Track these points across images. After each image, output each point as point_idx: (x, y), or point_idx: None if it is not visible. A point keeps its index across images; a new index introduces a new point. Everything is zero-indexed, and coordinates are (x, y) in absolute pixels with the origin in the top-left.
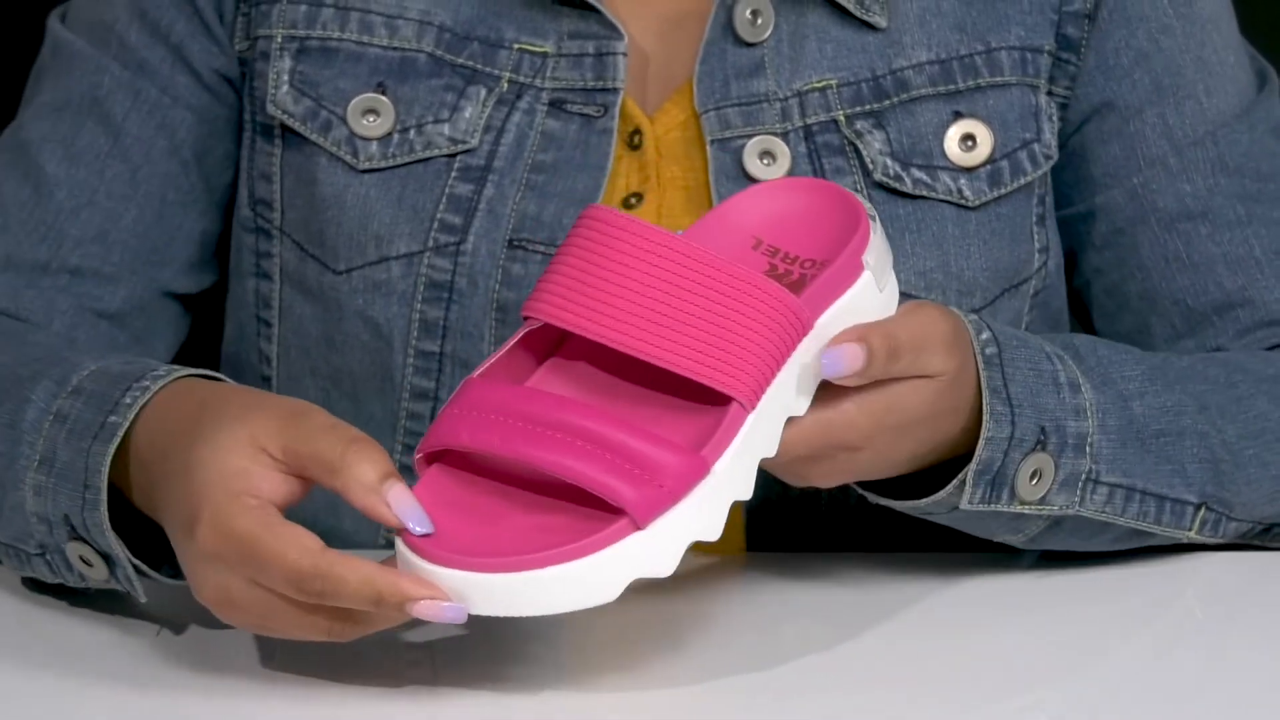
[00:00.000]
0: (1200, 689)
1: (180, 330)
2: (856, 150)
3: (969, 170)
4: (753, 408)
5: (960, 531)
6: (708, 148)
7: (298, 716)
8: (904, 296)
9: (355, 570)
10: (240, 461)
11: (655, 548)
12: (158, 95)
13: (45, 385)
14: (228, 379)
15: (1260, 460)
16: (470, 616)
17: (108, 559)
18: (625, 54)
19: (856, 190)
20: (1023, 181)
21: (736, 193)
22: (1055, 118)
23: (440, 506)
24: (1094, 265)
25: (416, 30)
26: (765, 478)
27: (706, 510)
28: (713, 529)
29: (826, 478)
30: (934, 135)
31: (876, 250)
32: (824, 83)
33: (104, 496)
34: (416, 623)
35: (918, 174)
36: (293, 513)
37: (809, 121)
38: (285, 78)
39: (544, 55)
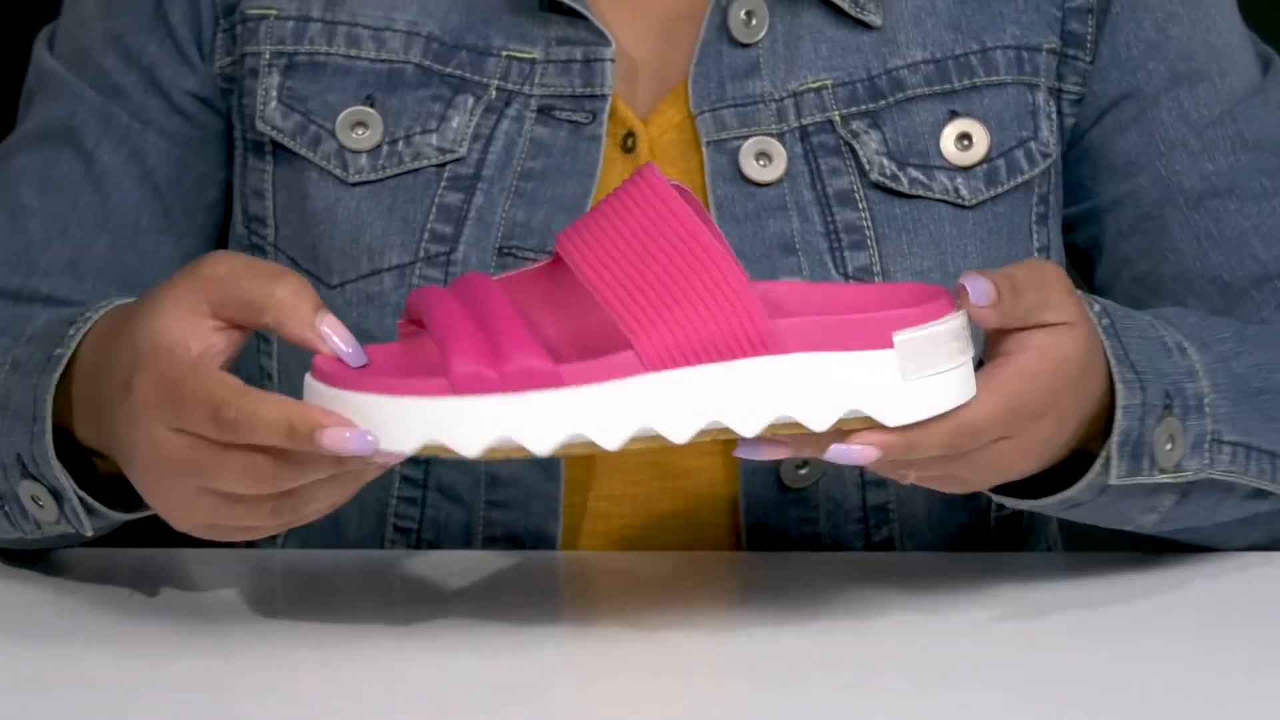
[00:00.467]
0: (1205, 690)
1: None
2: (853, 150)
3: (965, 169)
4: (648, 368)
5: (959, 535)
6: (703, 149)
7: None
8: None
9: (268, 400)
10: (167, 321)
11: (461, 420)
12: (129, 121)
13: (2, 343)
14: None
15: None
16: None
17: (56, 495)
18: (613, 60)
19: (852, 190)
20: (1020, 180)
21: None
22: (1056, 115)
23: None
24: (1122, 254)
25: (404, 41)
26: (765, 477)
27: (534, 418)
28: (538, 442)
29: (971, 476)
30: (930, 135)
31: (924, 344)
32: (819, 83)
33: (48, 426)
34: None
35: (914, 173)
36: None
37: (805, 122)
38: (274, 94)
39: (532, 62)
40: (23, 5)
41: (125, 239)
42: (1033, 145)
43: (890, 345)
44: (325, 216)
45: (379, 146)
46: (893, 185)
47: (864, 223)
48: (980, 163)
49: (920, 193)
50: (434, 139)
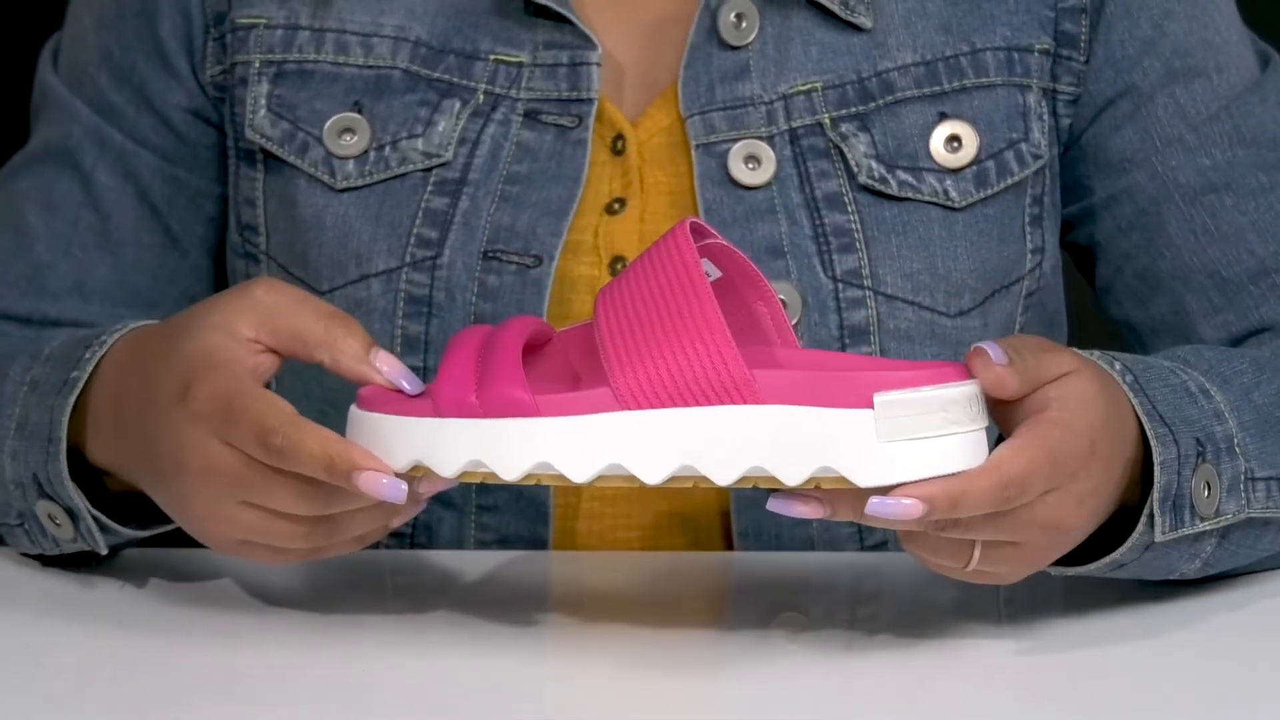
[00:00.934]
0: (1206, 690)
1: None
2: (841, 153)
3: (955, 171)
4: (622, 404)
5: None
6: (692, 152)
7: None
8: (891, 299)
9: (314, 434)
10: (221, 339)
11: (441, 440)
12: (122, 141)
13: (21, 361)
14: None
15: None
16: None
17: (72, 515)
18: (599, 64)
19: (841, 193)
20: (1010, 182)
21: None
22: (1050, 116)
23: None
24: (1122, 251)
25: (392, 47)
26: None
27: (507, 445)
28: (506, 467)
29: (1031, 541)
30: (919, 137)
31: (907, 408)
32: (809, 85)
33: (63, 448)
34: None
35: (903, 176)
36: None
37: (794, 125)
38: (263, 102)
39: (519, 65)
40: (25, 14)
41: (128, 259)
42: (1023, 147)
43: (869, 405)
44: (314, 223)
45: (366, 152)
46: (881, 188)
47: (853, 225)
48: (969, 165)
49: (909, 195)
50: (420, 144)
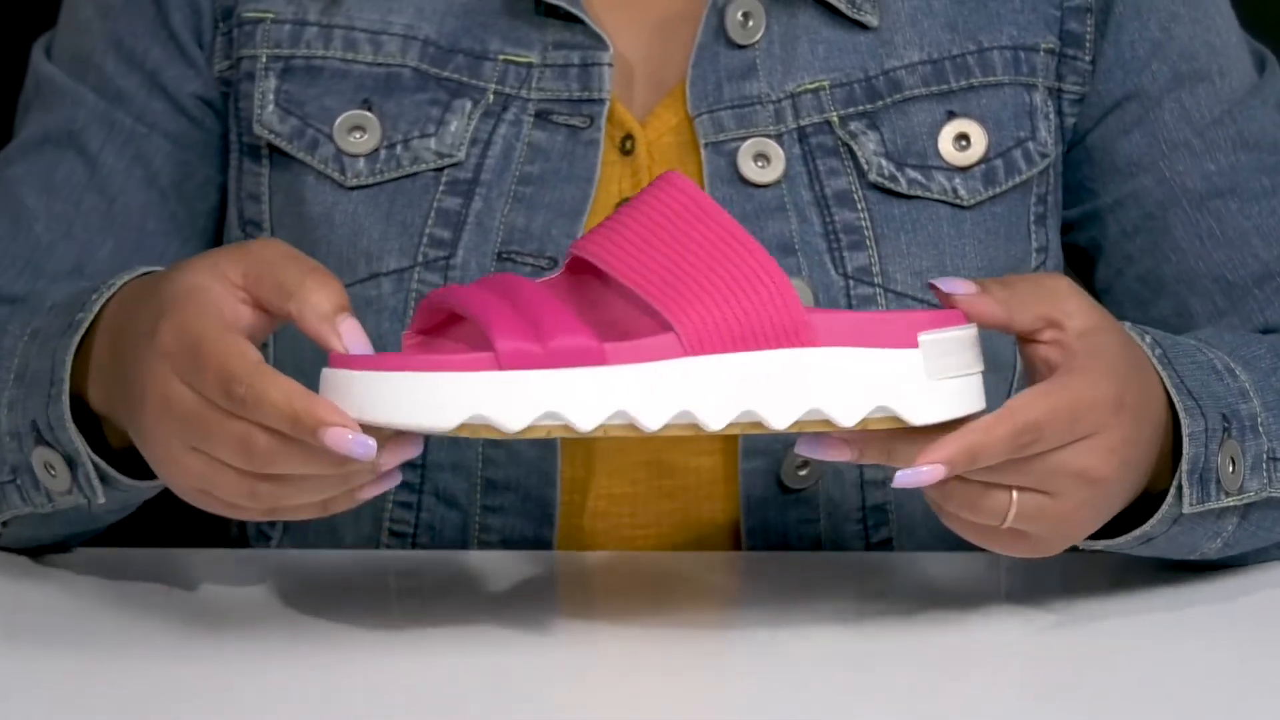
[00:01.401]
0: (1208, 690)
1: None
2: (851, 151)
3: (963, 170)
4: (690, 350)
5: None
6: (702, 151)
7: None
8: (901, 297)
9: (280, 385)
10: (204, 280)
11: (506, 395)
12: (133, 124)
13: (21, 314)
14: None
15: None
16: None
17: (70, 462)
18: (611, 64)
19: (850, 191)
20: (1018, 180)
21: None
22: (1055, 115)
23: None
24: (1125, 254)
25: (401, 45)
26: (764, 478)
27: (582, 395)
28: (581, 417)
29: (1064, 491)
30: (928, 135)
31: (947, 345)
32: (816, 84)
33: (65, 389)
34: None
35: (912, 174)
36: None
37: (803, 123)
38: (271, 97)
39: (529, 66)
40: (19, 13)
41: (131, 242)
42: (1030, 145)
43: (915, 345)
44: (323, 220)
45: (377, 150)
46: (891, 186)
47: (863, 223)
48: (978, 163)
49: (918, 193)
50: (432, 143)
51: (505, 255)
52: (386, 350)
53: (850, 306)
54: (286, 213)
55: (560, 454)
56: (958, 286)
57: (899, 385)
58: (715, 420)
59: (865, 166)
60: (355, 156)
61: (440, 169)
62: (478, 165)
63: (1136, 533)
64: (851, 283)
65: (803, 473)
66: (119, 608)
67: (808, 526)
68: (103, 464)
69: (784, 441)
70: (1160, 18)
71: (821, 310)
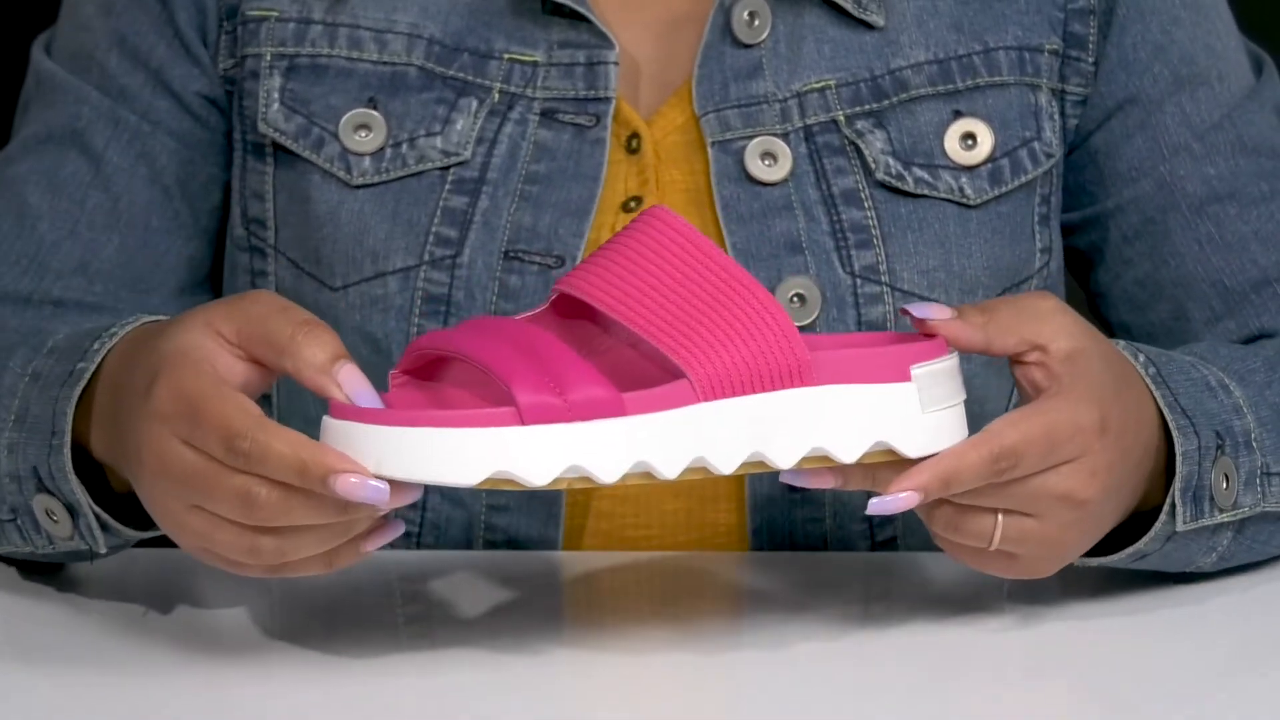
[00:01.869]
0: (1208, 689)
1: None
2: (858, 150)
3: (970, 169)
4: (703, 397)
5: None
6: (709, 150)
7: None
8: (908, 295)
9: (284, 436)
10: (198, 338)
11: (530, 449)
12: (138, 122)
13: (22, 352)
14: None
15: None
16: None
17: (71, 511)
18: (616, 63)
19: (858, 190)
20: (1023, 180)
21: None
22: (1059, 116)
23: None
24: (1124, 258)
25: (406, 44)
26: (770, 477)
27: (603, 447)
28: (604, 470)
29: (1046, 514)
30: (934, 134)
31: (937, 377)
32: (822, 83)
33: (68, 440)
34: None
35: (919, 173)
36: None
37: (809, 122)
38: (276, 96)
39: (534, 65)
40: (19, 12)
41: (136, 239)
42: (1036, 145)
43: (909, 378)
44: (328, 219)
45: (382, 149)
46: (898, 184)
47: (870, 222)
48: (984, 162)
49: (925, 192)
50: (438, 142)
51: (511, 254)
52: (379, 386)
53: (858, 305)
54: (291, 211)
55: None
56: (932, 312)
57: (895, 420)
58: (727, 464)
59: (872, 165)
60: (361, 155)
61: (446, 168)
62: (484, 164)
63: (1130, 550)
64: (859, 281)
65: None
66: (120, 608)
67: (813, 526)
68: (104, 515)
69: None
70: (1161, 21)
71: (820, 343)
